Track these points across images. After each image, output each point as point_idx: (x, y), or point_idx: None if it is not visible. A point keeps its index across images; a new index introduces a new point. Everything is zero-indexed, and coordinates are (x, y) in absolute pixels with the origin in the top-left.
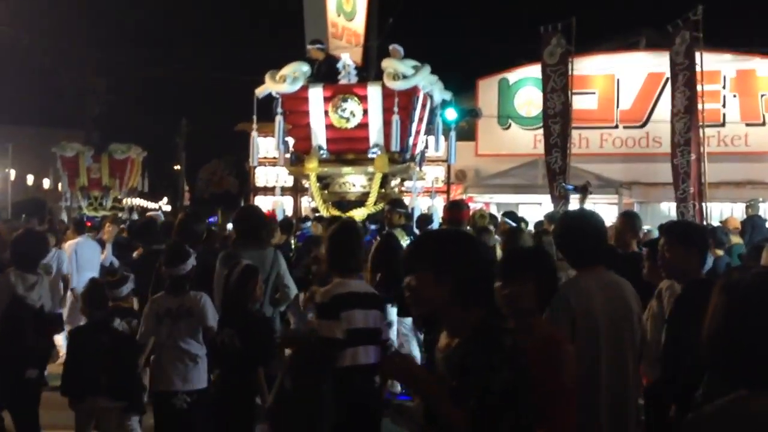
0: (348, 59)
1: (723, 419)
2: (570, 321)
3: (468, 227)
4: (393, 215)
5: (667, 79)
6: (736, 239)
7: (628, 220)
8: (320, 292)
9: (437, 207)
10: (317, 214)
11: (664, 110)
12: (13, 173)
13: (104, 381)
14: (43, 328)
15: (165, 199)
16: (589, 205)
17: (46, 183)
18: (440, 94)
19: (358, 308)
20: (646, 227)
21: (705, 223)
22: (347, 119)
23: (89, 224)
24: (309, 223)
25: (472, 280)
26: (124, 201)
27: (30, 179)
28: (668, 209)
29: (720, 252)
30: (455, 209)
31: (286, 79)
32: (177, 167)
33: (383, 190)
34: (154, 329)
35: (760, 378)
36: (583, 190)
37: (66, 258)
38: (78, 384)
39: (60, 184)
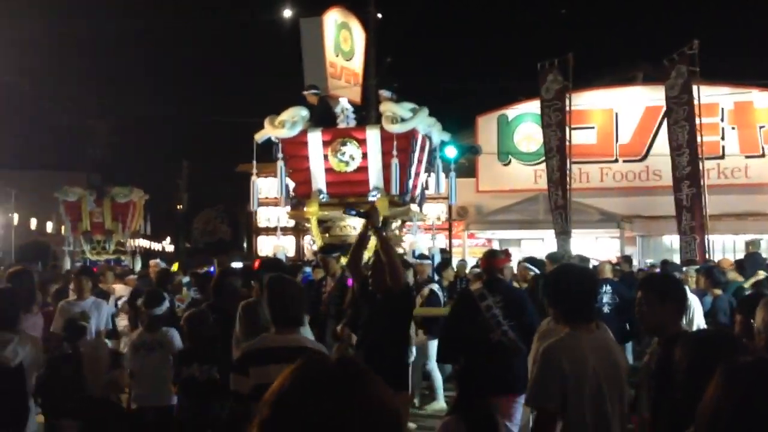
0: (346, 103)
1: None
2: (561, 388)
3: (515, 282)
4: (329, 262)
5: (665, 112)
6: (733, 275)
7: None
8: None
9: (437, 248)
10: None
11: (662, 143)
12: (16, 218)
13: None
14: (19, 388)
15: (168, 239)
16: (591, 239)
17: (49, 227)
18: (439, 135)
19: (273, 363)
20: (648, 261)
21: (707, 256)
22: (347, 163)
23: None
24: (309, 269)
25: None
26: (128, 244)
27: (33, 223)
28: (670, 242)
29: (718, 291)
30: (492, 258)
31: (285, 124)
32: (179, 206)
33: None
34: (132, 357)
35: None
36: (367, 216)
37: (106, 309)
38: None
39: (63, 228)
